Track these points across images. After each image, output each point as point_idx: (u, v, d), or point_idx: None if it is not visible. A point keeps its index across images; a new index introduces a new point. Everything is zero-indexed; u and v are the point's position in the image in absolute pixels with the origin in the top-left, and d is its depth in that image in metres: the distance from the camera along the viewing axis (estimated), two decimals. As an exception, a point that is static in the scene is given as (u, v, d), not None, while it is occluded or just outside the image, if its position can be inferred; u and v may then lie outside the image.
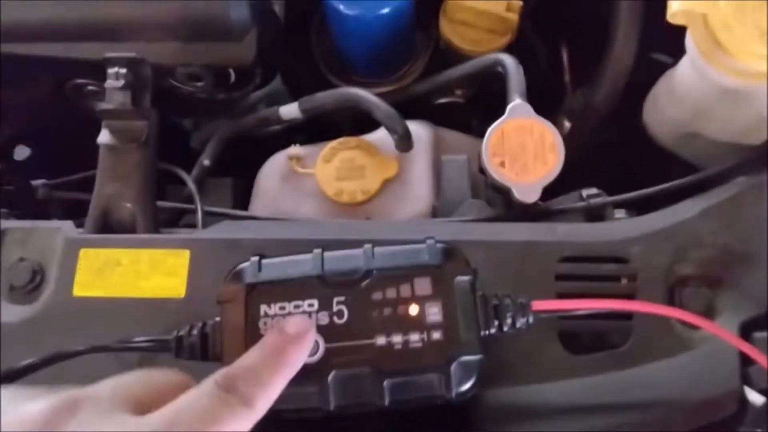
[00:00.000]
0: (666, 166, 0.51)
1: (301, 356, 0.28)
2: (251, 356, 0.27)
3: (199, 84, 0.50)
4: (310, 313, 0.30)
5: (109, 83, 0.40)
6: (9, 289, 0.38)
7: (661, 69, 0.48)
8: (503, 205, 0.42)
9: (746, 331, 0.34)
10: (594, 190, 0.41)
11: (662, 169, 0.47)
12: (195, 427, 0.23)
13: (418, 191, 0.46)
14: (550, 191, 0.43)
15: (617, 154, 0.61)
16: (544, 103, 0.57)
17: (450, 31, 0.52)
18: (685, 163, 0.50)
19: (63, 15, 0.45)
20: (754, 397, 0.32)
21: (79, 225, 0.40)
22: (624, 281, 0.35)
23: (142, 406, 0.24)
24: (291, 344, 0.28)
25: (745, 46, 0.36)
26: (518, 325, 0.31)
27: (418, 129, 0.48)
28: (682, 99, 0.44)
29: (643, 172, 0.56)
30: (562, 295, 0.34)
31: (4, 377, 0.30)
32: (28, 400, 0.24)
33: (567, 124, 0.57)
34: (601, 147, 0.60)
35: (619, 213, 0.43)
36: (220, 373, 0.25)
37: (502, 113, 0.42)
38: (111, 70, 0.40)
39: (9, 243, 0.39)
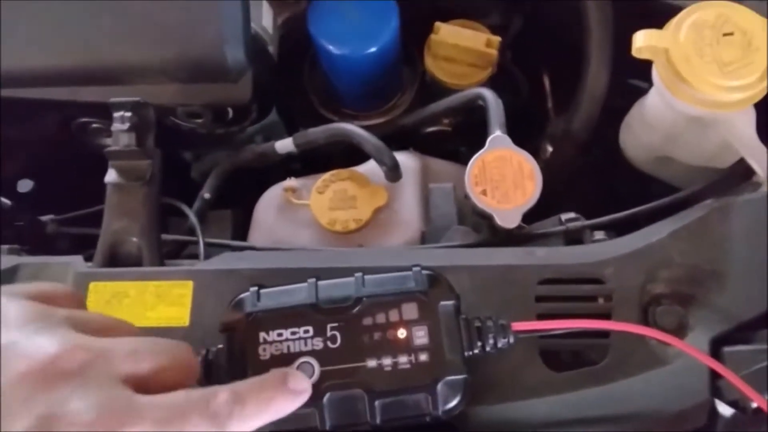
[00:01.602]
0: (648, 188, 0.53)
1: (287, 409, 0.29)
2: (246, 386, 0.28)
3: (199, 121, 0.52)
4: (305, 339, 0.33)
5: (115, 126, 0.42)
6: (22, 323, 0.40)
7: (639, 94, 0.51)
8: (487, 230, 0.44)
9: (717, 346, 0.36)
10: (572, 214, 0.44)
11: (644, 191, 0.50)
12: (169, 429, 0.24)
13: (408, 219, 0.48)
14: (537, 214, 0.45)
15: (601, 177, 0.63)
16: (528, 129, 0.60)
17: (434, 66, 0.55)
18: (666, 185, 0.52)
19: (68, 61, 0.48)
20: (724, 409, 0.34)
21: (87, 258, 0.42)
22: (600, 301, 0.37)
23: (143, 381, 0.25)
24: (284, 395, 0.29)
25: (705, 78, 0.39)
26: (500, 345, 0.33)
27: (406, 159, 0.51)
28: (653, 126, 0.47)
29: (626, 194, 0.58)
30: (542, 316, 0.36)
31: None
32: (40, 330, 0.24)
33: (549, 149, 0.60)
34: (585, 170, 0.63)
35: (599, 235, 0.45)
36: (214, 390, 0.26)
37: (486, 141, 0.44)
38: (117, 114, 0.42)
39: (22, 278, 0.41)
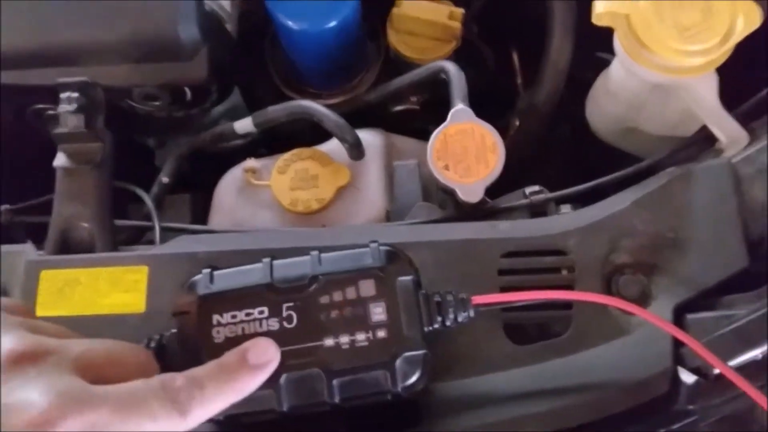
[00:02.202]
0: (617, 160, 0.53)
1: (253, 386, 0.29)
2: (204, 370, 0.28)
3: (156, 103, 0.51)
4: (260, 320, 0.32)
5: (62, 107, 0.40)
6: (-27, 313, 0.38)
7: (606, 66, 0.51)
8: (452, 205, 0.44)
9: (680, 314, 0.36)
10: (536, 188, 0.43)
11: (613, 164, 0.49)
12: (129, 415, 0.24)
13: (371, 197, 0.48)
14: (505, 189, 0.45)
15: (570, 152, 0.63)
16: (498, 107, 0.59)
17: (397, 40, 0.54)
18: (634, 157, 0.52)
19: (17, 43, 0.46)
20: (686, 377, 0.34)
21: (41, 247, 0.41)
22: (564, 272, 0.37)
23: (99, 376, 0.26)
24: (246, 373, 0.29)
25: (665, 43, 0.38)
26: (460, 319, 0.33)
27: (369, 137, 0.50)
28: (617, 95, 0.46)
29: (596, 167, 0.58)
30: (505, 289, 0.36)
31: None
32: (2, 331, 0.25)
33: (518, 124, 0.59)
34: (553, 145, 0.62)
35: (566, 208, 0.45)
36: (171, 376, 0.27)
37: (449, 115, 0.43)
38: (63, 95, 0.41)
39: (-27, 268, 0.40)
